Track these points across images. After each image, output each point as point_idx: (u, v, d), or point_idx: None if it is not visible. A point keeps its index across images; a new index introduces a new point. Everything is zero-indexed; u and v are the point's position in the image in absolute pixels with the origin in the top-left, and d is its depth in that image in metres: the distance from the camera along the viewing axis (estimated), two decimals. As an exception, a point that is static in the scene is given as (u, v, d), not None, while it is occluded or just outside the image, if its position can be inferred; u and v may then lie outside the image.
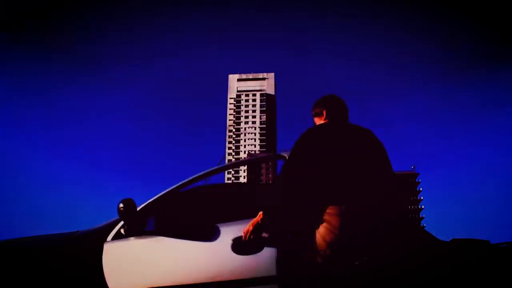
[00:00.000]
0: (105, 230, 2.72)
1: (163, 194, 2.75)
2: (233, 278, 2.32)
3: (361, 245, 2.27)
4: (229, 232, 2.45)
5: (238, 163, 3.32)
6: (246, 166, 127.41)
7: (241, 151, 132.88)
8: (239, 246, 2.39)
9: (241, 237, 2.37)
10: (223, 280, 2.33)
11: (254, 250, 2.35)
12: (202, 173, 2.82)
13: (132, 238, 2.62)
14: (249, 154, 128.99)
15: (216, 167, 2.91)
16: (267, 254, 2.33)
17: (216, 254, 2.41)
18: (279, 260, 2.31)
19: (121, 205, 2.50)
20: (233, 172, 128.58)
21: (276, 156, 2.88)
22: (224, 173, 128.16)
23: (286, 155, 2.69)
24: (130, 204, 2.52)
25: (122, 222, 2.66)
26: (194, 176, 2.81)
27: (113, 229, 2.69)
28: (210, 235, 2.49)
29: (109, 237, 2.66)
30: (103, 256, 2.54)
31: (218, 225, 2.53)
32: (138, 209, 2.66)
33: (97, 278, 2.47)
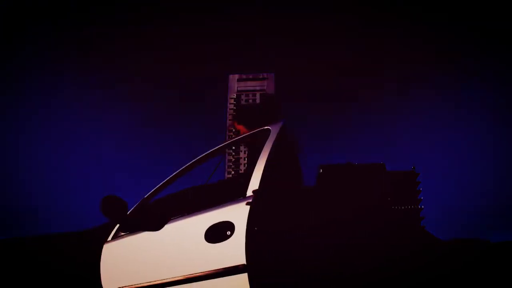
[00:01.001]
0: (105, 229, 2.72)
1: (156, 189, 2.79)
2: (206, 268, 2.29)
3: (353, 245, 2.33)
4: (204, 221, 2.42)
5: (229, 143, 3.27)
6: (246, 165, 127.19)
7: (241, 151, 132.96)
8: (212, 234, 2.35)
9: (214, 225, 2.35)
10: (198, 271, 2.31)
11: (225, 237, 2.30)
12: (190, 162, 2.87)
13: (128, 236, 2.62)
14: (249, 154, 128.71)
15: (202, 155, 2.94)
16: (236, 242, 2.27)
17: (192, 246, 2.39)
18: (248, 248, 2.26)
19: (104, 203, 2.46)
20: (233, 172, 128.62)
21: (262, 130, 2.84)
22: (224, 173, 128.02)
23: (270, 127, 2.70)
24: (113, 200, 2.49)
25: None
26: (181, 168, 2.84)
27: (113, 228, 2.70)
28: (187, 226, 2.47)
29: (109, 237, 2.67)
30: (101, 256, 2.55)
31: (195, 214, 2.50)
32: (135, 208, 2.67)
33: (97, 278, 2.47)
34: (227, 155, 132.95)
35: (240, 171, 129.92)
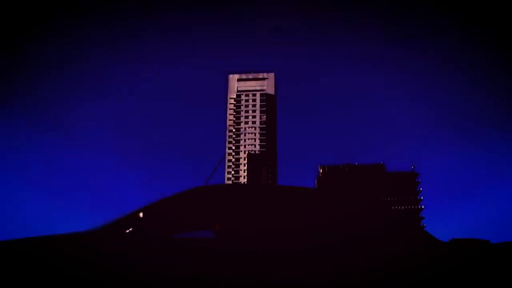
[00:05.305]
0: (105, 231, 2.72)
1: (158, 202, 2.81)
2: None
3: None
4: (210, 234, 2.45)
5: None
6: (246, 165, 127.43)
7: (241, 151, 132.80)
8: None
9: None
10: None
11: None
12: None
13: (130, 238, 2.63)
14: (249, 154, 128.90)
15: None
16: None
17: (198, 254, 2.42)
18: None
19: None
20: (233, 172, 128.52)
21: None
22: (224, 173, 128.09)
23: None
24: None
25: (122, 224, 2.68)
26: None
27: (113, 230, 2.70)
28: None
29: (109, 238, 2.67)
30: (102, 257, 2.55)
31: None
32: (136, 211, 2.68)
33: (97, 279, 2.47)
34: (226, 154, 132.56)
35: (239, 170, 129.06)
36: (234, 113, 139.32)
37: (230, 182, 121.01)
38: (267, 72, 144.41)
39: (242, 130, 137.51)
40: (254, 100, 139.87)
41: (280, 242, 2.62)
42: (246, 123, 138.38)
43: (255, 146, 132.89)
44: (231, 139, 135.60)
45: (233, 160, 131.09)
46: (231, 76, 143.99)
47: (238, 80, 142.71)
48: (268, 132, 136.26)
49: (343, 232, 2.76)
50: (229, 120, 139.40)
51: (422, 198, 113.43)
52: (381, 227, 2.81)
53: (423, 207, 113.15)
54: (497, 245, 2.75)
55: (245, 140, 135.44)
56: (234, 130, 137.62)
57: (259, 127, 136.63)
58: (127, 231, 2.70)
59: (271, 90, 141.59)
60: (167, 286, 2.43)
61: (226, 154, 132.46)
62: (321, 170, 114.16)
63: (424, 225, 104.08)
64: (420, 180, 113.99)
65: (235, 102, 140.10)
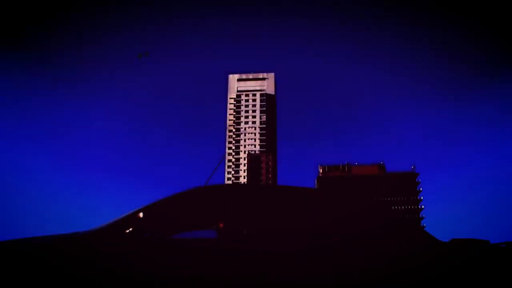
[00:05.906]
0: (105, 231, 2.72)
1: (162, 200, 2.80)
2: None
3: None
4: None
5: None
6: (246, 165, 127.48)
7: (241, 151, 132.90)
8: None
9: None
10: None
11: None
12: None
13: (130, 238, 2.63)
14: (249, 154, 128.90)
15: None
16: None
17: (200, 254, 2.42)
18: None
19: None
20: (233, 172, 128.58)
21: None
22: (224, 173, 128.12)
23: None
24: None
25: (122, 224, 2.68)
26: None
27: (113, 230, 2.70)
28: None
29: (109, 238, 2.67)
30: (102, 257, 2.55)
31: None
32: (136, 211, 2.68)
33: (97, 279, 2.48)
34: (226, 154, 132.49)
35: (239, 170, 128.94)
36: (234, 113, 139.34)
37: (230, 182, 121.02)
38: (267, 72, 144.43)
39: (242, 130, 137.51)
40: (254, 100, 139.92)
41: (280, 242, 2.63)
42: (246, 123, 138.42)
43: (255, 146, 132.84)
44: (231, 139, 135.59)
45: (233, 160, 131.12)
46: (231, 76, 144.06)
47: (238, 80, 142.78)
48: (268, 132, 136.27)
49: (343, 232, 2.77)
50: (229, 120, 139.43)
51: (422, 198, 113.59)
52: (381, 227, 2.81)
53: (423, 207, 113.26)
54: (497, 245, 2.75)
55: (245, 140, 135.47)
56: (234, 130, 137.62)
57: (259, 127, 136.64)
58: (127, 231, 2.70)
59: (271, 90, 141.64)
60: (167, 286, 2.43)
61: (226, 154, 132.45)
62: (321, 170, 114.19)
63: (424, 225, 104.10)
64: (420, 180, 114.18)
65: (235, 102, 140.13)
